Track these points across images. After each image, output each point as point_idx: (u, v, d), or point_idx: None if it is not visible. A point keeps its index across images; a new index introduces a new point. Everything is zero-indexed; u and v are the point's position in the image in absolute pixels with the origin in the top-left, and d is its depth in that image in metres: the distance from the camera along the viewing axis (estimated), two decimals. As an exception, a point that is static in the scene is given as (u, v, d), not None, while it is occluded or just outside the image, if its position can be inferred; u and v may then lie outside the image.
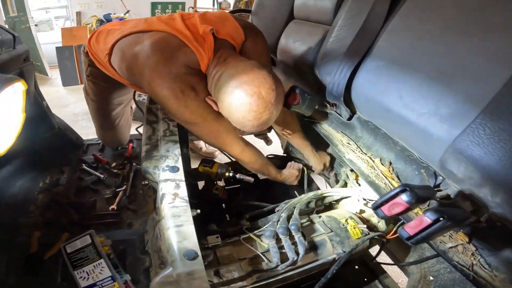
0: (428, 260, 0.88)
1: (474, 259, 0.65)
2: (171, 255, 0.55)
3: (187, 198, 0.65)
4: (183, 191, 0.67)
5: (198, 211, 0.69)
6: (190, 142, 1.95)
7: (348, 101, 0.90)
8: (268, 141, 1.74)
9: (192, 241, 0.57)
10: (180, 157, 0.79)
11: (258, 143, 1.38)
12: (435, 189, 0.70)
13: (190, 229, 0.59)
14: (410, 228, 0.56)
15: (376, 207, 0.58)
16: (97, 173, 1.42)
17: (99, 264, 0.88)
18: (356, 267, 1.08)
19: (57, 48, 3.93)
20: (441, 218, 0.52)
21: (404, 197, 0.53)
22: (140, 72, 0.84)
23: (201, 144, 2.20)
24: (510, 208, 0.55)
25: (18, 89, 0.80)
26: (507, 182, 0.51)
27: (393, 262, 1.06)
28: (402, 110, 0.68)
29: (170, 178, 0.71)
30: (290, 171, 1.17)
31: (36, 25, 4.07)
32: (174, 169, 0.73)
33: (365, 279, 1.04)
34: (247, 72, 0.75)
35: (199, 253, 0.56)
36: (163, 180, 0.70)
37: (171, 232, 0.58)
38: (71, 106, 3.16)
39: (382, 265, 1.06)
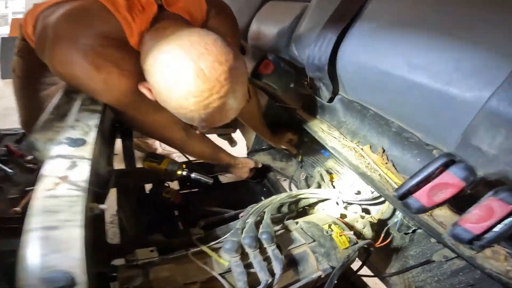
0: (412, 270, 0.76)
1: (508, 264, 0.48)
2: (23, 278, 0.29)
3: (84, 185, 0.39)
4: (79, 173, 0.41)
5: (104, 206, 0.43)
6: (140, 140, 1.61)
7: (332, 75, 0.73)
8: (232, 142, 1.59)
9: (70, 256, 0.31)
10: (94, 130, 0.53)
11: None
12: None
13: (73, 234, 0.33)
14: (473, 224, 0.35)
15: (403, 195, 0.37)
16: (5, 168, 1.09)
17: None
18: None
19: (2, 38, 3.51)
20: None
21: (455, 172, 0.33)
22: (42, 48, 0.63)
23: (157, 143, 1.86)
24: None
25: None
26: None
27: (373, 274, 0.91)
28: (408, 73, 0.53)
29: (63, 154, 0.44)
30: (246, 160, 1.12)
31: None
32: (76, 142, 0.47)
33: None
34: (182, 40, 0.51)
35: (80, 278, 0.30)
36: (51, 158, 0.43)
37: (32, 238, 0.32)
38: (5, 100, 2.72)
39: (362, 277, 0.90)
